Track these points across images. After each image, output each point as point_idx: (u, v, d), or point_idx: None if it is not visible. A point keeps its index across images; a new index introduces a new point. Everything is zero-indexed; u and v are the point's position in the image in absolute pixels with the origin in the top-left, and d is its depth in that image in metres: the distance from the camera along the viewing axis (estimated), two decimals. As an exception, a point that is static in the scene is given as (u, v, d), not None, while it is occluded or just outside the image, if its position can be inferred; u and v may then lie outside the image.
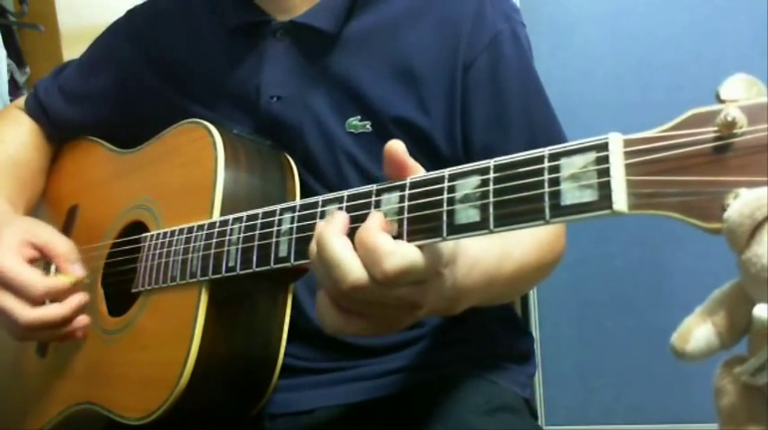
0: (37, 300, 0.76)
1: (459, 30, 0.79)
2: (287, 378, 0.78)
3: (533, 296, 2.00)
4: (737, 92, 0.39)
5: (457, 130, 0.80)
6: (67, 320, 0.78)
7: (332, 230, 0.53)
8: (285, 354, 0.77)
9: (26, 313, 0.75)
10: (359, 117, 0.80)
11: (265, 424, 0.79)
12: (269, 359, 0.76)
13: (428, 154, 0.79)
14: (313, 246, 0.54)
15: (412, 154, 0.81)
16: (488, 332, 0.86)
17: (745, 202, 0.35)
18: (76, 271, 0.80)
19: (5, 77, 1.44)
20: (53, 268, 0.82)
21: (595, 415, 1.98)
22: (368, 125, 0.80)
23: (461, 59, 0.79)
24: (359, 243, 0.51)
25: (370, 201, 0.55)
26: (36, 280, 0.76)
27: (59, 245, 0.81)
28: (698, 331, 0.39)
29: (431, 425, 0.72)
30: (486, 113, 0.79)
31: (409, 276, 0.50)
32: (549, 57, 1.95)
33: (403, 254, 0.50)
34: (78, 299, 0.78)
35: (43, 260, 0.82)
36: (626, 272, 1.94)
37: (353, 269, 0.50)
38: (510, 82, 0.80)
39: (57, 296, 0.77)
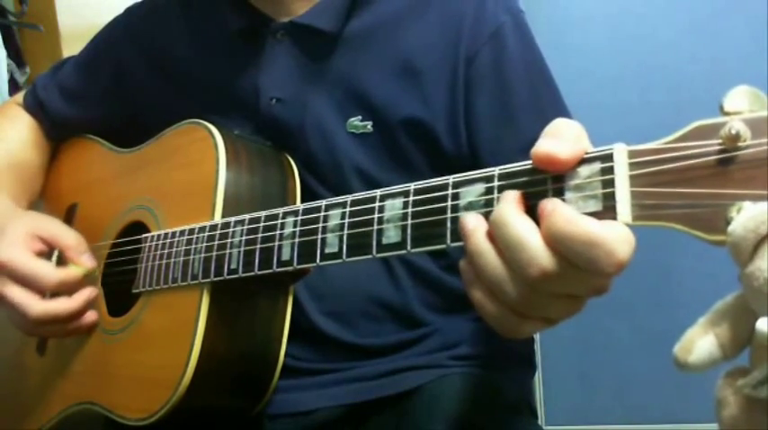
0: (49, 291, 0.76)
1: (460, 24, 0.79)
2: (287, 378, 0.78)
3: (533, 295, 2.00)
4: (741, 103, 0.39)
5: (460, 126, 0.79)
6: (76, 315, 0.78)
7: (511, 208, 0.45)
8: (286, 355, 0.77)
9: (36, 306, 0.75)
10: (360, 117, 0.80)
11: (266, 424, 0.79)
12: (270, 359, 0.76)
13: (431, 151, 0.79)
14: (479, 232, 0.46)
15: (414, 153, 0.82)
16: (488, 332, 0.85)
17: (749, 216, 0.35)
18: (87, 262, 0.80)
19: (5, 77, 1.44)
20: (54, 258, 0.81)
21: (595, 415, 1.99)
22: (369, 125, 0.79)
23: (463, 53, 0.78)
24: (562, 238, 0.42)
25: (374, 207, 0.55)
26: (49, 271, 0.76)
27: (68, 236, 0.81)
28: (700, 342, 0.39)
29: (431, 425, 0.71)
30: (491, 106, 0.79)
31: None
32: (548, 57, 1.94)
33: (628, 233, 0.42)
34: (87, 292, 0.78)
35: (50, 253, 0.81)
36: (626, 272, 1.92)
37: (541, 253, 0.43)
38: (515, 73, 0.79)
39: (68, 289, 0.77)
